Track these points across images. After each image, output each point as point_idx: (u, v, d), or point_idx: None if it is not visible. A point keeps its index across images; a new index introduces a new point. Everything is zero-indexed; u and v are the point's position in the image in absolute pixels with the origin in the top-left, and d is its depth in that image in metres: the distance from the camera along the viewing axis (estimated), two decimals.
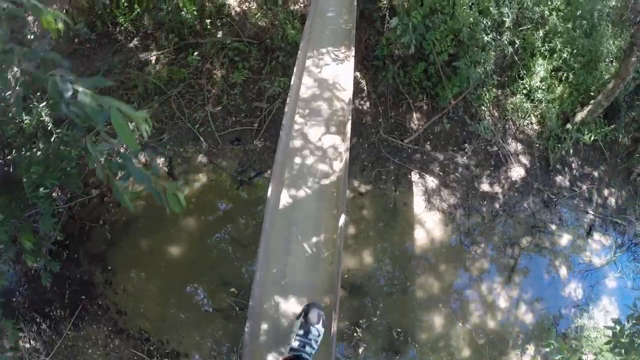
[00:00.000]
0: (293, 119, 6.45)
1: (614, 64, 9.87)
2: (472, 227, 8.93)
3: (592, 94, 9.82)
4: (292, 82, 6.80)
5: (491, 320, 8.16)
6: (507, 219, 9.28)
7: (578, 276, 9.13)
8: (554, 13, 9.75)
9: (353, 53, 7.48)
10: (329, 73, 7.24)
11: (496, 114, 9.80)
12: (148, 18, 9.60)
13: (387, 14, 9.50)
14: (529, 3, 9.29)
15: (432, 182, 9.08)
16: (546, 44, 9.77)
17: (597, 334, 7.95)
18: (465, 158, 9.43)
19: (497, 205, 9.28)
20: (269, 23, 9.79)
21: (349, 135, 6.28)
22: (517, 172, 9.66)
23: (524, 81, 9.70)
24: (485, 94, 9.50)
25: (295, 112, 6.56)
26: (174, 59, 9.41)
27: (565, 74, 9.76)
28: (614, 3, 9.98)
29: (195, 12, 9.39)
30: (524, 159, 9.81)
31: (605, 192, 10.59)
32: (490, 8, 8.85)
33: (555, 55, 9.74)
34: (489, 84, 9.41)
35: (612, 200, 10.63)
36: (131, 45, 9.53)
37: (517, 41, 9.40)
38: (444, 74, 9.11)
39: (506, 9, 8.90)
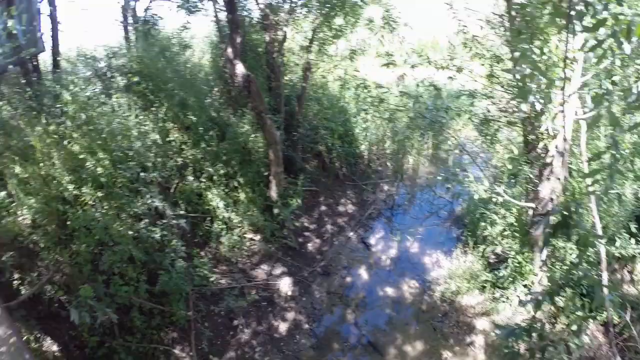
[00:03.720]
0: None
1: (256, 136, 9.69)
2: None
3: (265, 173, 9.56)
4: None
5: None
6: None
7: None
8: (184, 147, 8.91)
9: None
10: None
11: (225, 267, 8.87)
12: None
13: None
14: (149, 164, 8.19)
15: None
16: (201, 178, 9.00)
17: None
18: (246, 331, 8.48)
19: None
20: None
21: None
22: (285, 285, 9.15)
23: (214, 224, 8.85)
24: (201, 272, 8.39)
25: None
26: None
27: (235, 182, 9.19)
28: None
29: None
30: (278, 270, 9.34)
31: (340, 208, 11.01)
32: (136, 209, 7.71)
33: (215, 177, 9.04)
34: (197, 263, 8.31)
35: (350, 207, 11.16)
36: None
37: (180, 203, 8.36)
38: (159, 303, 7.72)
39: (149, 197, 7.67)
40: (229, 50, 9.12)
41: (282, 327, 8.74)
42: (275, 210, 9.47)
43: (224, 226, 9.01)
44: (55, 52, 10.69)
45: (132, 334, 7.90)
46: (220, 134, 9.65)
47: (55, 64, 10.74)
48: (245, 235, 9.33)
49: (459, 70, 8.80)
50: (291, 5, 10.85)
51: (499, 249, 9.03)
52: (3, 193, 7.95)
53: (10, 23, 8.83)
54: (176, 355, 8.18)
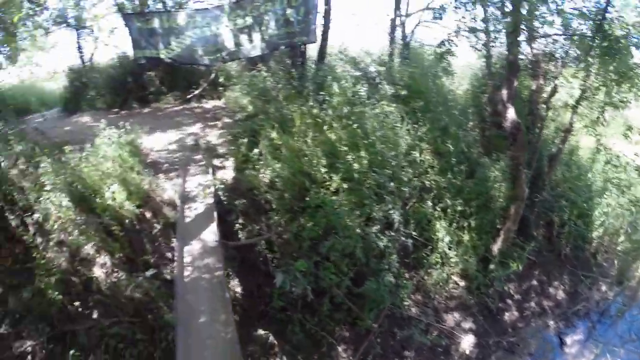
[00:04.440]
0: None
1: (501, 185, 9.21)
2: None
3: (498, 226, 9.06)
4: None
5: None
6: None
7: None
8: (429, 170, 8.82)
9: None
10: None
11: (420, 298, 8.76)
12: (14, 300, 7.55)
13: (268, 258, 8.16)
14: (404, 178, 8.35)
15: None
16: (437, 207, 8.88)
17: None
18: None
19: None
20: (144, 295, 8.01)
21: None
22: (467, 342, 8.73)
23: (433, 255, 8.73)
24: (402, 293, 8.39)
25: None
26: (51, 350, 7.40)
27: (467, 223, 8.89)
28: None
29: (60, 297, 7.50)
30: (467, 324, 8.90)
31: (551, 290, 10.02)
32: (374, 213, 8.01)
33: (449, 210, 8.85)
34: (402, 283, 8.34)
35: (560, 293, 10.10)
36: (2, 330, 7.44)
37: (411, 222, 8.40)
38: (352, 303, 7.94)
39: (390, 207, 7.83)
40: (504, 91, 8.75)
41: None
42: (492, 266, 8.98)
43: (440, 260, 8.87)
44: (324, 45, 11.79)
45: (312, 315, 8.33)
46: (469, 170, 9.37)
47: (321, 56, 11.81)
48: (452, 276, 9.06)
49: None
50: (567, 57, 9.82)
51: None
52: (257, 150, 8.86)
53: (289, 11, 10.00)
54: (338, 351, 8.43)
